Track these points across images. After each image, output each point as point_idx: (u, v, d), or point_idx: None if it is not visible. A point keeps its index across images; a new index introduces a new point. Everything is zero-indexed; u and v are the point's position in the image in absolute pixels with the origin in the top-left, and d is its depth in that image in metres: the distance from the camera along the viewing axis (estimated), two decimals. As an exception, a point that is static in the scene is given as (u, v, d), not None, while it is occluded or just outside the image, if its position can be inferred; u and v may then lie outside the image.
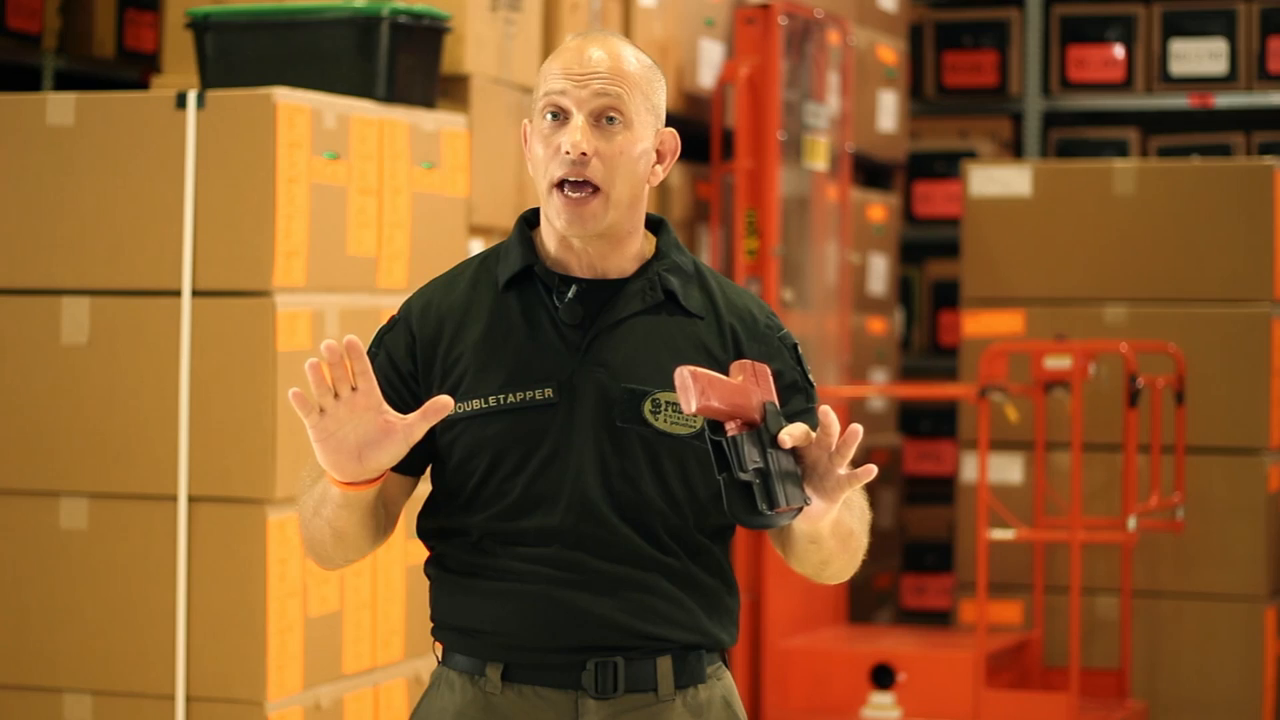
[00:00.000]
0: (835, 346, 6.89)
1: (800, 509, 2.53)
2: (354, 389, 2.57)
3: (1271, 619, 6.43)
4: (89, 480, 4.53)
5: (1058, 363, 6.14)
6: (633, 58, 2.75)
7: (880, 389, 7.34)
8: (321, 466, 2.66)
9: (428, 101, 5.00)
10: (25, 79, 6.23)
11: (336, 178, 4.62)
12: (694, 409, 2.47)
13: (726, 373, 2.58)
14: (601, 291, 2.77)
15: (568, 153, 2.68)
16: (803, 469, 2.54)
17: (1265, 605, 6.41)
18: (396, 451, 2.61)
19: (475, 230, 5.40)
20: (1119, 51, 8.22)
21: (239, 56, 4.82)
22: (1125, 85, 8.23)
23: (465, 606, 2.77)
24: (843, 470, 2.54)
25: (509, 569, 2.73)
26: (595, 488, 2.71)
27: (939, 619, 7.93)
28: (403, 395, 2.76)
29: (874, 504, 2.89)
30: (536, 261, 2.78)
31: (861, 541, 2.77)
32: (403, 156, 4.83)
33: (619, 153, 2.71)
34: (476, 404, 2.73)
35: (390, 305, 4.77)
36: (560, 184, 2.71)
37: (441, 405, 2.59)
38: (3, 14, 6.13)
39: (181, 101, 4.48)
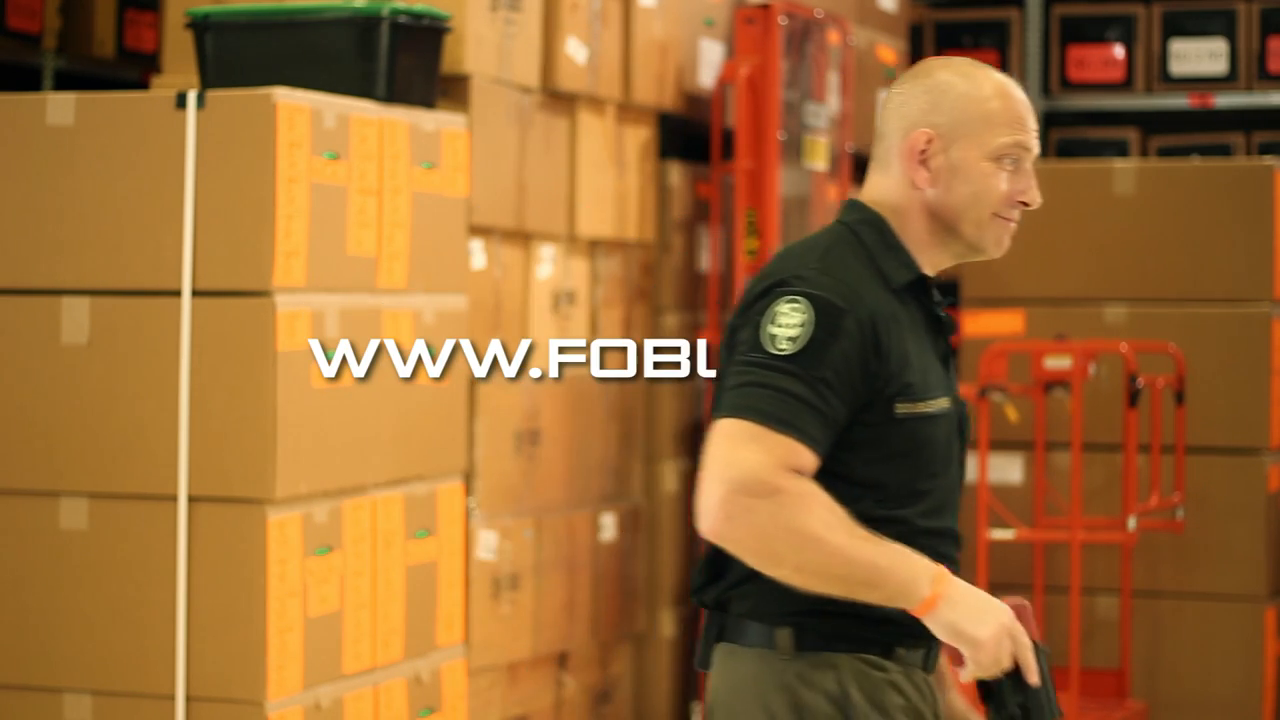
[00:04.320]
0: (835, 346, 6.87)
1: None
2: None
3: (1271, 619, 6.42)
4: (89, 480, 4.53)
5: (1058, 363, 6.14)
6: None
7: (880, 389, 7.32)
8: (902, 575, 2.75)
9: (428, 101, 5.00)
10: (25, 79, 6.23)
11: (336, 178, 4.62)
12: (1037, 639, 2.95)
13: None
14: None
15: (1026, 204, 2.89)
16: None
17: (1265, 605, 6.41)
18: None
19: (475, 230, 5.40)
20: (1119, 51, 8.22)
21: (239, 56, 4.82)
22: (1125, 85, 8.22)
23: None
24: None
25: None
26: (959, 492, 2.93)
27: (939, 619, 7.92)
28: (870, 384, 2.80)
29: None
30: (922, 273, 2.92)
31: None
32: (403, 156, 4.83)
33: None
34: (921, 407, 2.84)
35: (391, 305, 4.77)
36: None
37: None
38: (3, 14, 6.13)
39: (181, 101, 4.48)
